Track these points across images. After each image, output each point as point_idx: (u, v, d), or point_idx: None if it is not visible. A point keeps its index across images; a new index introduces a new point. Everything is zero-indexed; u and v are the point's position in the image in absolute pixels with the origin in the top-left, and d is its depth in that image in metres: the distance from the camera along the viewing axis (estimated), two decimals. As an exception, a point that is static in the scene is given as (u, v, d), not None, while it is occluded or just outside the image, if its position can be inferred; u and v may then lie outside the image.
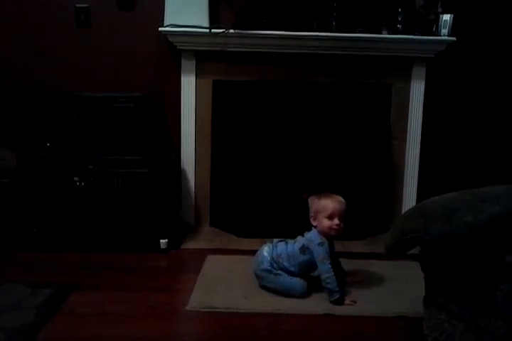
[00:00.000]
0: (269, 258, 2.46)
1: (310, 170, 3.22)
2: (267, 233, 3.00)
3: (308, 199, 2.50)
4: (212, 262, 2.77)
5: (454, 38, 3.04)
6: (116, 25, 3.22)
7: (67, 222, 2.91)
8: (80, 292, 2.40)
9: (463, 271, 1.67)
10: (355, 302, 2.34)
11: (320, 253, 2.37)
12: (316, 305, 2.32)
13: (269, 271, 2.45)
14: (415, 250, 1.86)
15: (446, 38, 3.05)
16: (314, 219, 2.45)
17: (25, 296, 2.31)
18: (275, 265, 2.45)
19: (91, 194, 2.89)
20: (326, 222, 2.40)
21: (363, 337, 2.12)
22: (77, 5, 3.19)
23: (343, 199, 2.46)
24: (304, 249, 2.42)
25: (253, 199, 3.24)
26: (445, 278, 1.74)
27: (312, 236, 2.43)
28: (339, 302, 2.32)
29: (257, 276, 2.50)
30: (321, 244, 2.38)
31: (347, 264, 2.60)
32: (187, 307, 2.28)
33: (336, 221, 2.39)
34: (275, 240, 2.55)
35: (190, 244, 3.07)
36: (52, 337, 2.03)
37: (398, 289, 2.49)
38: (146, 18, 3.19)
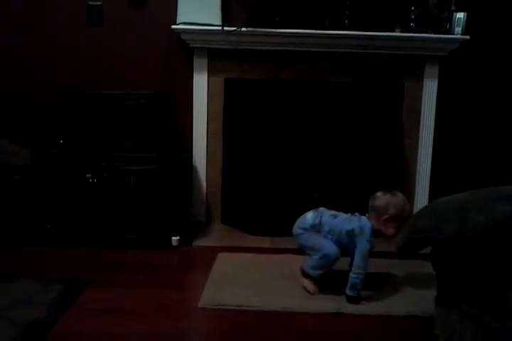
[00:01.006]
0: (311, 221, 2.43)
1: (321, 169, 3.22)
2: (278, 231, 3.00)
3: (385, 194, 2.38)
4: (223, 260, 2.78)
5: (468, 37, 3.02)
6: (129, 23, 3.23)
7: (80, 218, 2.93)
8: (92, 288, 2.42)
9: (475, 271, 1.67)
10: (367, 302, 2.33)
11: (365, 249, 2.33)
12: (327, 303, 2.32)
13: (307, 230, 2.42)
14: (427, 249, 1.86)
15: (459, 36, 3.03)
16: (378, 219, 2.35)
17: (37, 292, 2.33)
18: (315, 229, 2.42)
19: (103, 191, 2.91)
20: (392, 231, 2.35)
21: (373, 337, 2.11)
22: (90, 2, 3.20)
23: None
24: (350, 235, 2.37)
25: (264, 197, 3.25)
26: (457, 278, 1.73)
27: (366, 229, 2.36)
28: (356, 300, 2.31)
29: (295, 235, 2.48)
30: (370, 241, 2.35)
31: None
32: (198, 305, 2.29)
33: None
34: (321, 208, 2.49)
35: (202, 242, 3.07)
36: (64, 333, 2.05)
37: (409, 288, 2.49)
38: (159, 15, 3.19)
